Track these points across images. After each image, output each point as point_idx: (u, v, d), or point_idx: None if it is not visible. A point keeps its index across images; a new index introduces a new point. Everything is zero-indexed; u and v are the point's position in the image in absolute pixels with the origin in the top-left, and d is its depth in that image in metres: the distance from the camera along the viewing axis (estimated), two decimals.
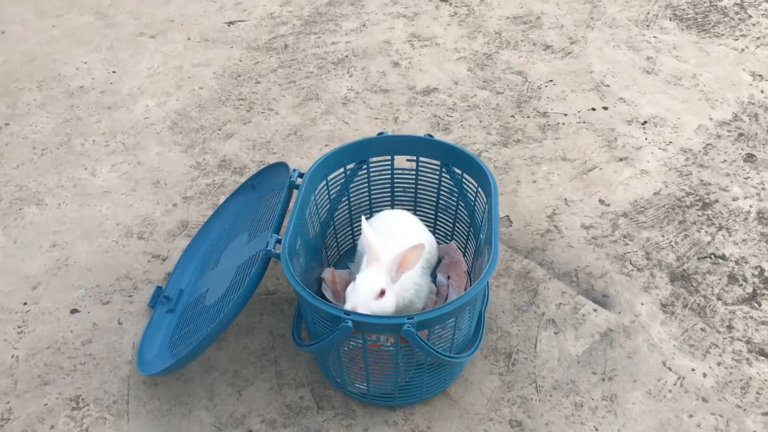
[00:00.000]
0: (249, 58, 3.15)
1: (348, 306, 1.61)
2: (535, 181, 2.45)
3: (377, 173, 2.08)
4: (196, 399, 1.81)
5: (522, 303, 2.02)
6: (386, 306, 1.64)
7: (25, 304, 2.07)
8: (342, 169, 2.01)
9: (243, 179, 2.43)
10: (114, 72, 3.08)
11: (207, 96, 2.92)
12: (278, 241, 1.71)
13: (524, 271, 2.12)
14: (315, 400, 1.80)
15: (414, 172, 2.09)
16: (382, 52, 3.17)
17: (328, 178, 1.98)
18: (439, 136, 2.65)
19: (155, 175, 2.52)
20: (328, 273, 1.98)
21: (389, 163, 2.07)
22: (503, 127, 2.70)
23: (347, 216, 2.12)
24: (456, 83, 2.95)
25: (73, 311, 2.04)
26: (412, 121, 2.74)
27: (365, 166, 2.05)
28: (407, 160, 2.07)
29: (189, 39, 3.31)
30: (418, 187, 2.11)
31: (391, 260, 1.66)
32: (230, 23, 3.42)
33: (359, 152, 2.02)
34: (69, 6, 3.61)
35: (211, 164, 2.56)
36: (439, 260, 2.10)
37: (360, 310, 1.59)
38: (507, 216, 2.32)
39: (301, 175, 1.92)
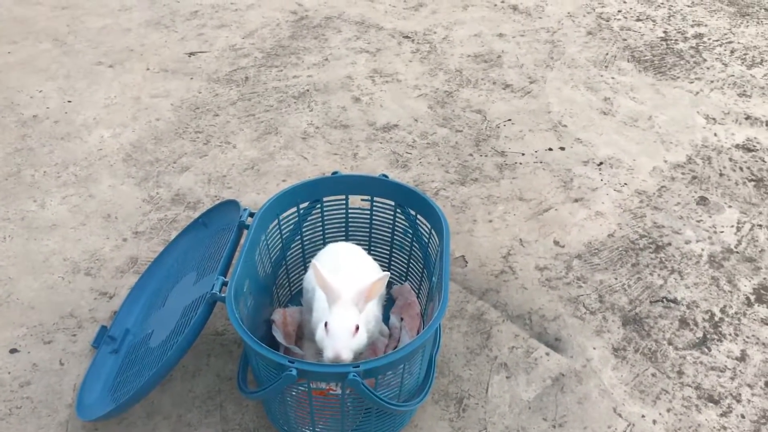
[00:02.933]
0: (208, 90, 3.12)
1: (330, 355, 1.57)
2: (491, 221, 2.45)
3: (331, 212, 2.06)
4: None
5: (475, 346, 2.00)
6: (362, 341, 1.63)
7: None
8: (295, 208, 1.99)
9: (196, 214, 2.39)
10: (69, 101, 3.03)
11: (163, 128, 2.88)
12: (224, 284, 1.67)
13: (478, 313, 2.10)
14: None
15: (368, 212, 2.07)
16: (344, 86, 3.17)
17: (281, 217, 1.95)
18: (397, 173, 2.65)
19: (106, 209, 2.46)
20: (278, 314, 1.94)
21: (344, 202, 2.05)
22: (461, 166, 2.70)
23: (300, 255, 2.09)
24: (416, 120, 2.96)
25: (12, 351, 1.97)
26: (371, 157, 2.74)
27: (319, 206, 2.03)
28: (361, 199, 2.05)
29: (148, 69, 3.27)
30: (373, 226, 2.10)
31: (357, 293, 1.63)
32: (191, 54, 3.40)
33: (313, 191, 2.00)
34: (26, 33, 3.55)
35: (164, 198, 2.51)
36: (393, 301, 2.08)
37: (344, 355, 1.57)
38: (462, 256, 2.31)
39: (252, 215, 1.88)
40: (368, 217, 2.08)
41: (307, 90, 3.14)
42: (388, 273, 1.66)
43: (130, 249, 2.30)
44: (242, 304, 1.69)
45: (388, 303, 2.08)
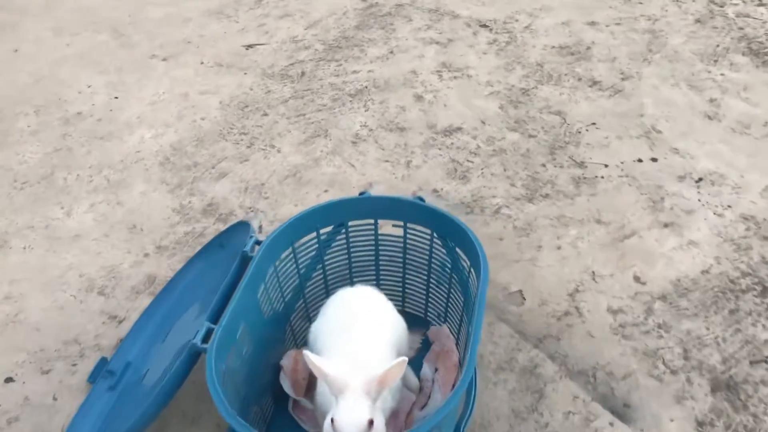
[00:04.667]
0: (261, 87, 2.89)
1: None
2: (559, 247, 2.08)
3: (358, 239, 1.77)
4: None
5: (522, 408, 1.66)
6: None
7: None
8: (314, 234, 1.70)
9: (226, 226, 2.15)
10: (116, 98, 2.88)
11: (207, 128, 2.67)
12: (211, 332, 1.42)
13: (531, 365, 1.75)
14: None
15: (402, 239, 1.76)
16: (406, 83, 2.85)
17: (296, 244, 1.67)
18: (454, 186, 2.31)
19: (133, 219, 2.27)
20: (288, 359, 1.67)
21: (372, 227, 1.75)
22: (531, 178, 2.33)
23: (322, 287, 1.80)
24: (483, 123, 2.60)
25: (8, 380, 1.81)
26: (426, 166, 2.41)
27: (344, 231, 1.74)
28: (393, 225, 1.74)
29: (202, 63, 3.08)
30: (407, 257, 1.78)
31: (368, 382, 1.32)
32: (248, 46, 3.18)
33: (335, 215, 1.71)
34: (88, 23, 3.45)
35: (195, 208, 2.30)
36: (429, 344, 1.76)
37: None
38: (520, 291, 1.95)
39: (259, 242, 1.62)
40: (402, 244, 1.77)
41: (366, 87, 2.85)
42: (406, 358, 1.33)
43: (149, 266, 2.10)
44: (233, 354, 1.43)
45: (424, 346, 1.77)
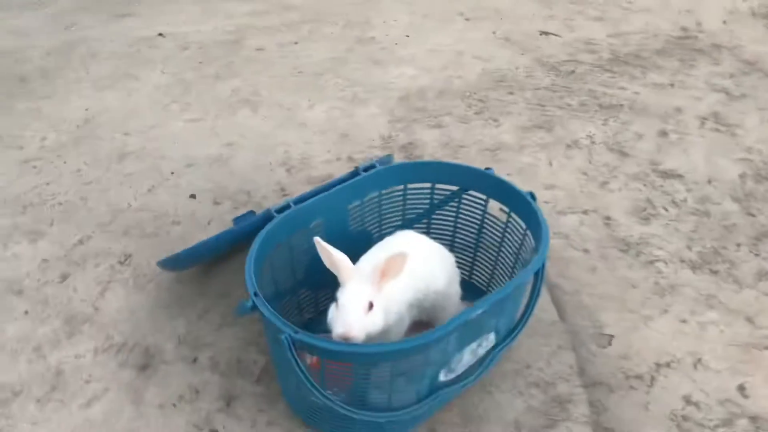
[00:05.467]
0: (526, 69, 3.00)
1: (339, 330, 1.41)
2: (685, 321, 1.91)
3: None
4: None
5: (525, 424, 1.65)
6: (377, 321, 1.46)
7: None
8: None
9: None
10: (407, 36, 3.23)
11: (456, 86, 2.89)
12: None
13: (566, 398, 1.70)
14: None
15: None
16: (662, 116, 2.72)
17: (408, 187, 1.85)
18: (632, 221, 2.22)
19: (349, 129, 2.63)
20: None
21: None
22: (713, 250, 2.13)
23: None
24: (709, 182, 2.40)
25: (192, 196, 2.30)
26: (619, 194, 2.34)
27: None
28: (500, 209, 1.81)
29: (493, 33, 3.28)
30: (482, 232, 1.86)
31: (372, 269, 1.49)
32: (544, 33, 3.28)
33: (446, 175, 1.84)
34: None
35: (396, 141, 2.56)
36: None
37: (354, 332, 1.40)
38: (612, 336, 1.86)
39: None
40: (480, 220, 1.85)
41: (621, 105, 2.79)
42: (407, 252, 1.45)
43: (334, 167, 2.43)
44: (291, 242, 1.69)
45: None
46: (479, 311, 1.42)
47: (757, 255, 2.13)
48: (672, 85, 2.92)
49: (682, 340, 1.86)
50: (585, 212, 2.26)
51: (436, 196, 1.90)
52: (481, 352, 1.62)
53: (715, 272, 2.06)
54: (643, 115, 2.72)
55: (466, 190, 1.87)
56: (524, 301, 1.63)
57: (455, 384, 1.56)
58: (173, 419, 1.64)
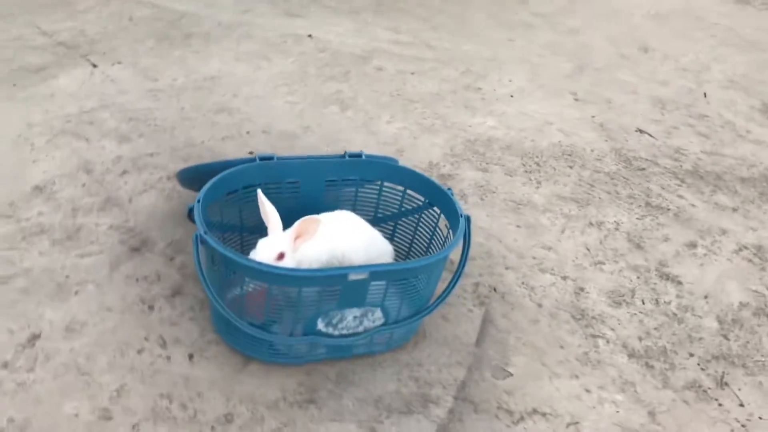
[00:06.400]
0: (598, 153, 3.14)
1: None
2: (589, 392, 1.99)
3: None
4: None
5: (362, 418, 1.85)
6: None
7: None
8: None
9: None
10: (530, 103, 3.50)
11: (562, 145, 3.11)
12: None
13: (430, 399, 1.88)
14: None
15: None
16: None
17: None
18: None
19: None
20: None
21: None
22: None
23: None
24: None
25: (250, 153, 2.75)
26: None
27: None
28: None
29: (593, 117, 3.44)
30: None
31: (292, 229, 1.83)
32: (640, 131, 3.38)
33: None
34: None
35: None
36: None
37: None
38: (512, 374, 2.00)
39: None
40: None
41: (669, 209, 2.83)
42: (318, 217, 1.76)
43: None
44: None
45: None
46: (348, 271, 1.69)
47: (702, 370, 2.13)
48: (735, 210, 2.91)
49: (572, 403, 1.95)
50: (564, 278, 2.39)
51: (405, 205, 2.17)
52: (368, 324, 1.86)
53: (650, 366, 2.11)
54: (683, 225, 2.75)
55: (432, 206, 2.12)
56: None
57: (332, 338, 1.82)
58: (131, 288, 2.06)
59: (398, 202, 2.17)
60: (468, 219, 1.92)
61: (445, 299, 1.89)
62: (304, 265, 1.87)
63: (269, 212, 1.83)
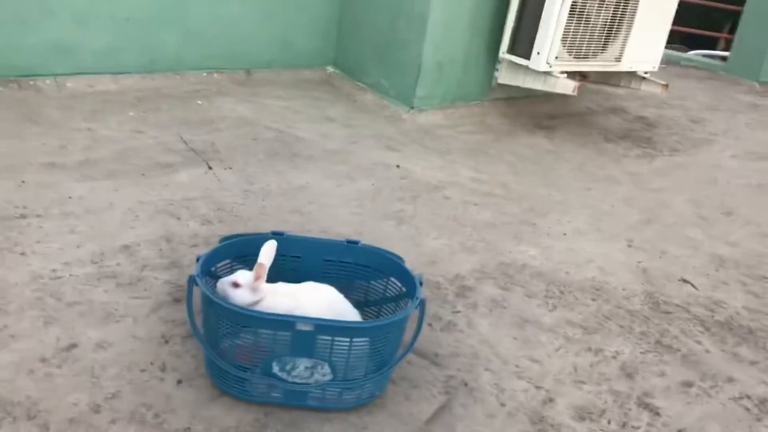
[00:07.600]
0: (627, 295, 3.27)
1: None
2: None
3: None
4: None
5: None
6: (237, 295, 2.26)
7: None
8: None
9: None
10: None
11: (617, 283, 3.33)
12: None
13: None
14: None
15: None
16: None
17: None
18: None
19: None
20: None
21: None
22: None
23: None
24: None
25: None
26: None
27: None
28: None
29: (631, 245, 3.57)
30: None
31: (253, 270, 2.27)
32: (684, 280, 3.46)
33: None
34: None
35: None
36: None
37: (218, 286, 2.29)
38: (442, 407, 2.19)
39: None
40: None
41: (679, 350, 2.89)
42: (265, 264, 2.19)
43: None
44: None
45: None
46: (298, 321, 2.06)
47: None
48: (753, 363, 2.88)
49: None
50: (538, 387, 2.55)
51: (389, 291, 2.52)
52: (318, 377, 2.20)
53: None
54: (688, 366, 2.79)
55: (412, 296, 2.45)
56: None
57: (285, 383, 2.17)
58: (159, 326, 2.56)
59: (383, 288, 2.52)
60: (423, 302, 2.23)
61: (392, 368, 2.18)
62: (264, 305, 2.26)
63: (260, 259, 2.27)
